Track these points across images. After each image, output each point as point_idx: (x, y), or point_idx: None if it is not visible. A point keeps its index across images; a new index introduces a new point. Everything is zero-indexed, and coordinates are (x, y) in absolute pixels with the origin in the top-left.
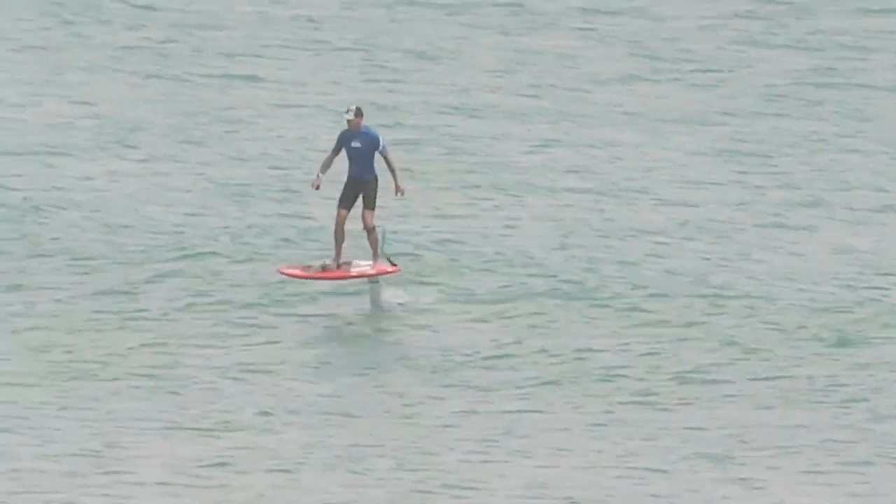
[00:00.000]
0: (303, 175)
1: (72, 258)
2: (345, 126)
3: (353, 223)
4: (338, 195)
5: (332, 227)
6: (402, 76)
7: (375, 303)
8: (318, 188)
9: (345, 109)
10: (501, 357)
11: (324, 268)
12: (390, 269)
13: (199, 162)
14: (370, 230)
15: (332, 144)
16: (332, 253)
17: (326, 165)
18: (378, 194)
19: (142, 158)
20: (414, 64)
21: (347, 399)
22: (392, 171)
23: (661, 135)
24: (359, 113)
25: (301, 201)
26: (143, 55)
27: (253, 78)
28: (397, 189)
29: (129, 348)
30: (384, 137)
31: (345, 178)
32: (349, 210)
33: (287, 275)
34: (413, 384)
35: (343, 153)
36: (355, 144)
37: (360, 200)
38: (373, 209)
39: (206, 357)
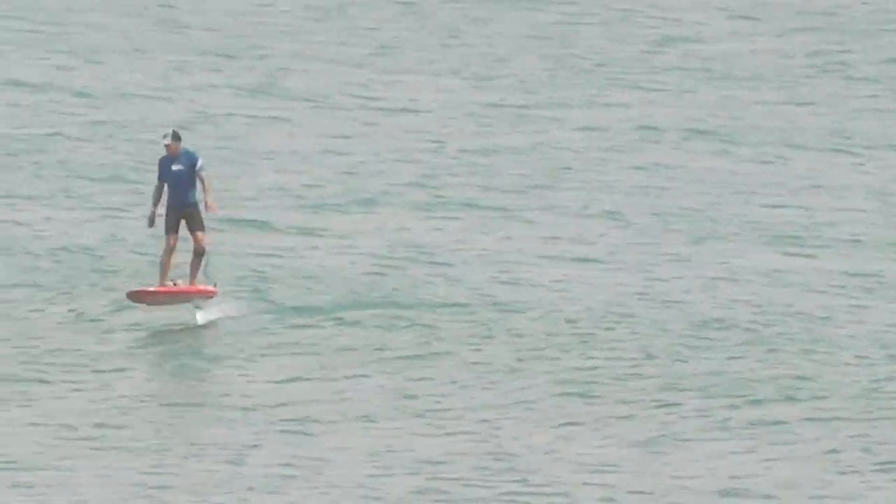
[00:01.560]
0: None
1: None
2: (164, 152)
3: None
4: (162, 224)
5: (161, 256)
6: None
7: (199, 321)
8: (152, 223)
9: (162, 135)
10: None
11: (161, 285)
12: (207, 289)
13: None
14: (200, 253)
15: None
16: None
17: (157, 196)
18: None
19: None
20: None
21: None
22: (205, 188)
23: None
24: (176, 137)
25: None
26: None
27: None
28: (207, 206)
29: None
30: (202, 158)
31: (165, 207)
32: (177, 234)
33: (137, 295)
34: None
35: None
36: (176, 167)
37: (183, 225)
38: (203, 230)
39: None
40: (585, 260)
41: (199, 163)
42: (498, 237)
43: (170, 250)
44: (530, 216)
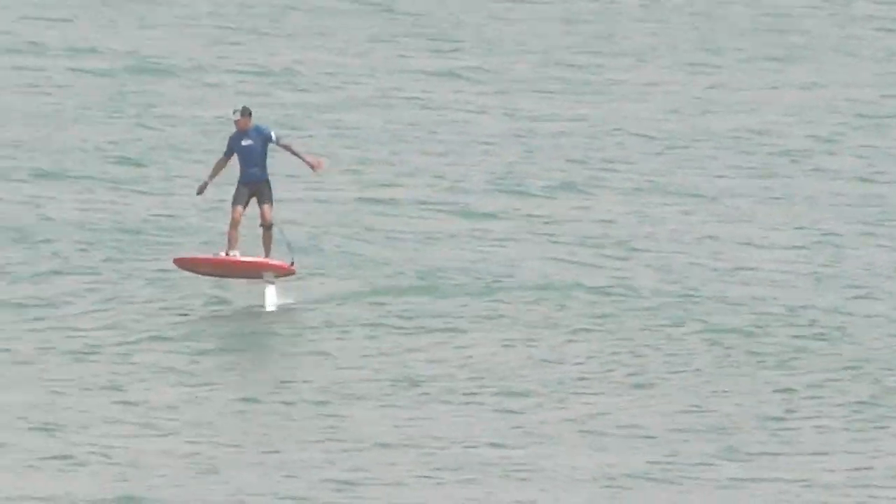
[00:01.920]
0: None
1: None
2: (233, 129)
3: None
4: (230, 196)
5: (227, 228)
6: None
7: (266, 303)
8: (201, 192)
9: (233, 111)
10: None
11: (214, 255)
12: (285, 266)
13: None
14: (269, 227)
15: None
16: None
17: (216, 170)
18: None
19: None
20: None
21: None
22: (297, 154)
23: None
24: (246, 112)
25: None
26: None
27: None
28: (313, 167)
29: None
30: (276, 129)
31: (236, 182)
32: (245, 209)
33: (184, 262)
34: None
35: (235, 157)
36: (246, 143)
37: (254, 201)
38: (271, 204)
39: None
40: (801, 248)
41: (273, 135)
42: (709, 223)
43: (235, 223)
44: (744, 203)
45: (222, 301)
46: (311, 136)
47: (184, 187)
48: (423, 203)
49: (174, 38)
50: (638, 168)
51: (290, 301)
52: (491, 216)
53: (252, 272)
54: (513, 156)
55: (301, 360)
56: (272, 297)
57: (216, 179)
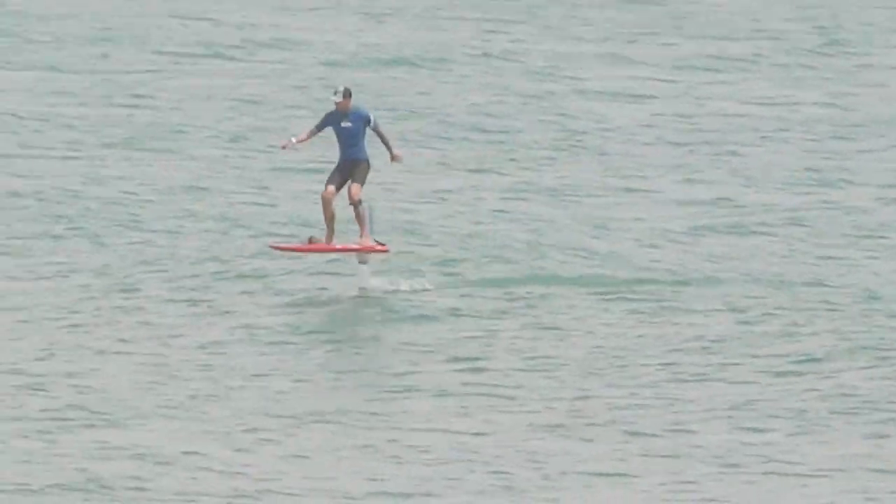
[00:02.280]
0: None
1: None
2: (332, 108)
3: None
4: (326, 175)
5: (321, 206)
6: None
7: (361, 286)
8: (284, 147)
9: (332, 91)
10: (490, 350)
11: (311, 240)
12: (377, 247)
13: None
14: (356, 204)
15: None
16: (325, 230)
17: (305, 135)
18: (370, 172)
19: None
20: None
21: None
22: (385, 142)
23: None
24: (347, 94)
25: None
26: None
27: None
28: (393, 157)
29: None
30: (374, 113)
31: (335, 162)
32: (338, 189)
33: (279, 249)
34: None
35: (329, 134)
36: (345, 124)
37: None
38: (361, 183)
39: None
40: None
41: (372, 119)
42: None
43: (326, 202)
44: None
45: (317, 285)
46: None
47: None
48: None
49: (423, 28)
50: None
51: (383, 284)
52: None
53: (346, 253)
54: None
55: (389, 346)
56: (367, 279)
57: (302, 145)
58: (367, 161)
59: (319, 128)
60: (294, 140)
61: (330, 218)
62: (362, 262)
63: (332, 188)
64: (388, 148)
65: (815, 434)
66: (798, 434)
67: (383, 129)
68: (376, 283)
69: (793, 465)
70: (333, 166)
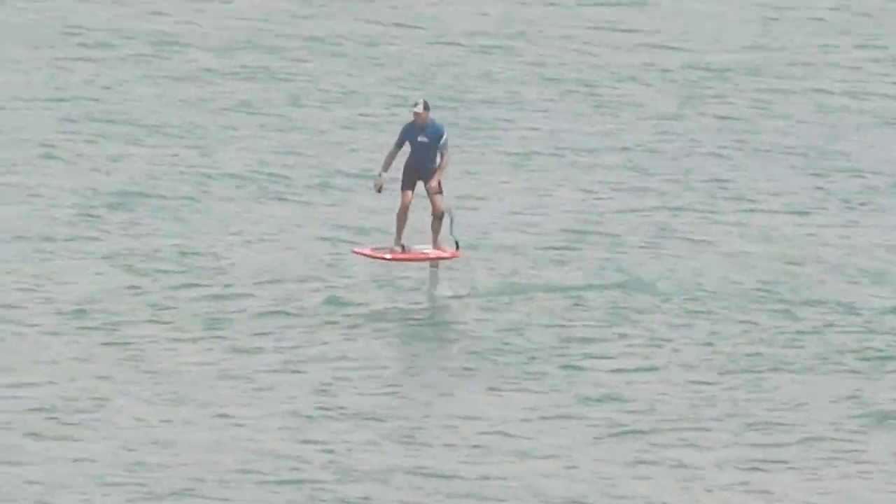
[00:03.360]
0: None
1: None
2: (410, 119)
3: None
4: (399, 183)
5: (397, 211)
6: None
7: (431, 293)
8: (381, 190)
9: (413, 103)
10: (560, 356)
11: (402, 248)
12: (449, 253)
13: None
14: (440, 216)
15: (393, 138)
16: (394, 237)
17: (389, 162)
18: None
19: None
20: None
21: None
22: (440, 166)
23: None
24: (426, 107)
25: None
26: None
27: (283, 74)
28: (430, 182)
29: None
30: (447, 132)
31: (403, 166)
32: (413, 192)
33: (361, 255)
34: (467, 382)
35: (406, 146)
36: (422, 139)
37: (420, 186)
38: (442, 193)
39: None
40: None
41: (444, 137)
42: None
43: (405, 207)
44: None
45: (392, 289)
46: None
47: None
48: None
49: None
50: None
51: (457, 291)
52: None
53: (422, 260)
54: None
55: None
56: (436, 283)
57: (389, 172)
58: (436, 170)
59: (399, 144)
60: (385, 175)
61: (403, 224)
62: (433, 266)
63: (409, 194)
64: (437, 172)
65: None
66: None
67: (448, 151)
68: (443, 288)
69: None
70: (402, 170)
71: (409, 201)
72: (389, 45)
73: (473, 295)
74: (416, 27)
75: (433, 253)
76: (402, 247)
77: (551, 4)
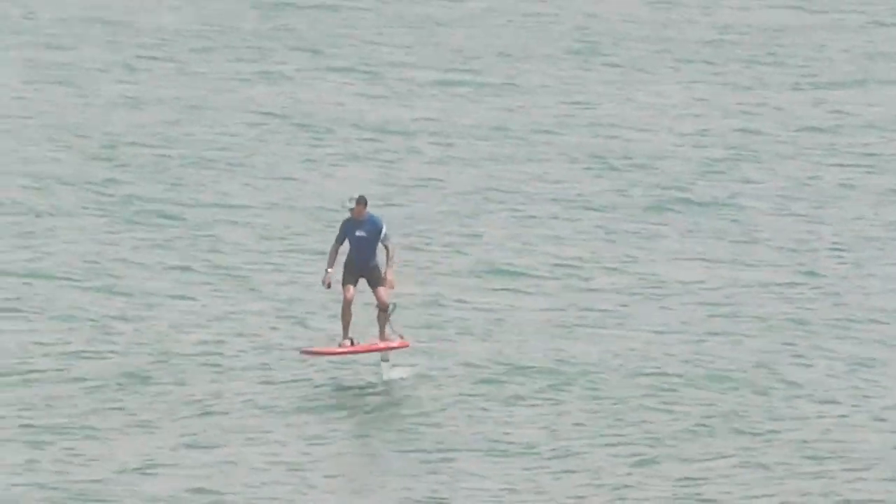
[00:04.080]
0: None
1: None
2: (347, 215)
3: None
4: (340, 277)
5: (340, 308)
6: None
7: (384, 377)
8: (329, 286)
9: (348, 198)
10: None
11: (340, 345)
12: (397, 343)
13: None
14: (385, 308)
15: (333, 235)
16: (341, 334)
17: (332, 258)
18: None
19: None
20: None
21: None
22: (389, 260)
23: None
24: (361, 201)
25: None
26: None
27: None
28: (386, 281)
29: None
30: (387, 225)
31: (343, 263)
32: (355, 287)
33: (310, 353)
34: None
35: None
36: (360, 234)
37: (363, 282)
38: (384, 285)
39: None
40: None
41: (384, 231)
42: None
43: (348, 303)
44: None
45: (341, 376)
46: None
47: None
48: None
49: None
50: None
51: (404, 375)
52: None
53: (372, 351)
54: None
55: (412, 429)
56: (388, 371)
57: (335, 269)
58: (378, 266)
59: (339, 241)
60: (331, 271)
61: (348, 320)
62: (384, 359)
63: (352, 288)
64: (388, 268)
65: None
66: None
67: (390, 244)
68: (395, 373)
69: None
70: (343, 266)
71: (352, 297)
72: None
73: (421, 376)
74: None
75: (382, 344)
76: (351, 340)
77: None
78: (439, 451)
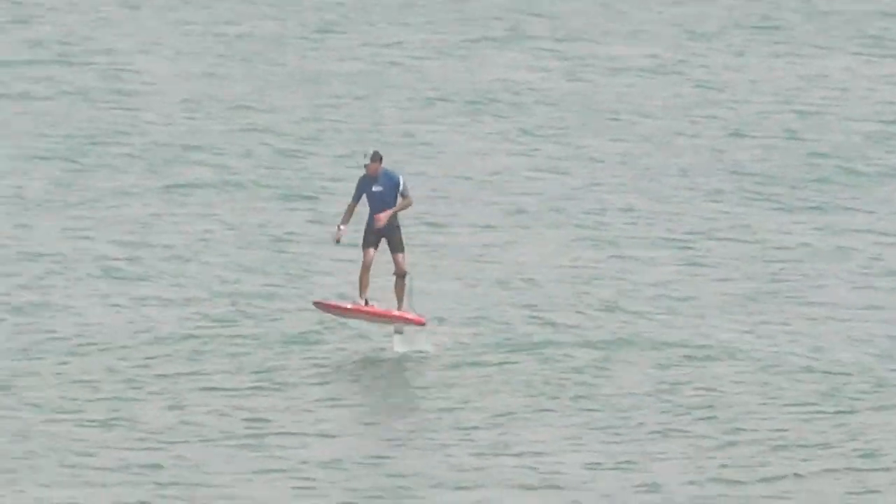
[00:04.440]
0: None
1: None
2: (363, 172)
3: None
4: (360, 238)
5: (359, 270)
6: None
7: (396, 350)
8: (339, 241)
9: (363, 155)
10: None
11: (353, 303)
12: (412, 316)
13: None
14: (402, 275)
15: (351, 191)
16: (359, 295)
17: (348, 215)
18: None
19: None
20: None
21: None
22: (402, 206)
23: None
24: (376, 157)
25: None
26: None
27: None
28: (383, 215)
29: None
30: (405, 178)
31: (365, 222)
32: (376, 250)
33: (322, 306)
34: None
35: (364, 200)
36: (376, 189)
37: (385, 244)
38: (403, 251)
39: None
40: None
41: (402, 183)
42: None
43: (367, 266)
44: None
45: (351, 344)
46: None
47: None
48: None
49: None
50: None
51: (417, 349)
52: None
53: (385, 321)
54: None
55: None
56: (399, 344)
57: (348, 225)
58: (398, 225)
59: (356, 199)
60: (343, 228)
61: (366, 283)
62: (398, 331)
63: (371, 251)
64: (396, 210)
65: None
66: None
67: (410, 197)
68: (405, 348)
69: None
70: (365, 228)
71: (371, 259)
72: None
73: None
74: None
75: (397, 313)
76: (366, 301)
77: None
78: (454, 428)
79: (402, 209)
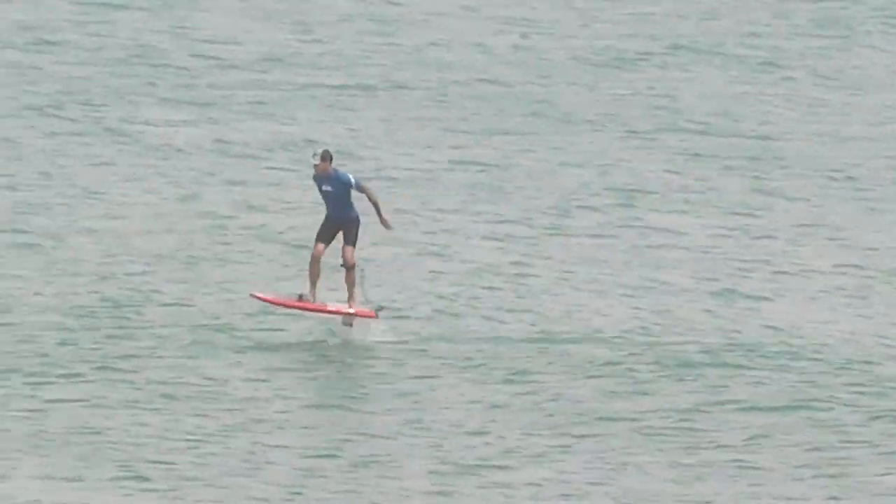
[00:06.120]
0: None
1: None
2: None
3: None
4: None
5: (308, 261)
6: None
7: (345, 339)
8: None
9: (312, 154)
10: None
11: (300, 297)
12: (367, 312)
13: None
14: (350, 267)
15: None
16: (308, 287)
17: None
18: (360, 234)
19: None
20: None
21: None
22: (374, 205)
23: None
24: (326, 156)
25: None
26: None
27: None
28: (383, 223)
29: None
30: (356, 175)
31: (323, 216)
32: (327, 245)
33: (260, 299)
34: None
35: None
36: (326, 188)
37: (339, 237)
38: (354, 245)
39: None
40: None
41: (354, 182)
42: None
43: (315, 259)
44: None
45: (296, 335)
46: None
47: None
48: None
49: None
50: None
51: (375, 338)
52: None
53: (323, 312)
54: None
55: (373, 399)
56: (348, 334)
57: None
58: (357, 219)
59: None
60: None
61: (316, 276)
62: (346, 323)
63: (321, 246)
64: (378, 212)
65: None
66: None
67: (371, 190)
68: (356, 335)
69: None
70: (321, 223)
71: (321, 253)
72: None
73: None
74: None
75: (332, 307)
76: (301, 296)
77: None
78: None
79: (379, 206)
